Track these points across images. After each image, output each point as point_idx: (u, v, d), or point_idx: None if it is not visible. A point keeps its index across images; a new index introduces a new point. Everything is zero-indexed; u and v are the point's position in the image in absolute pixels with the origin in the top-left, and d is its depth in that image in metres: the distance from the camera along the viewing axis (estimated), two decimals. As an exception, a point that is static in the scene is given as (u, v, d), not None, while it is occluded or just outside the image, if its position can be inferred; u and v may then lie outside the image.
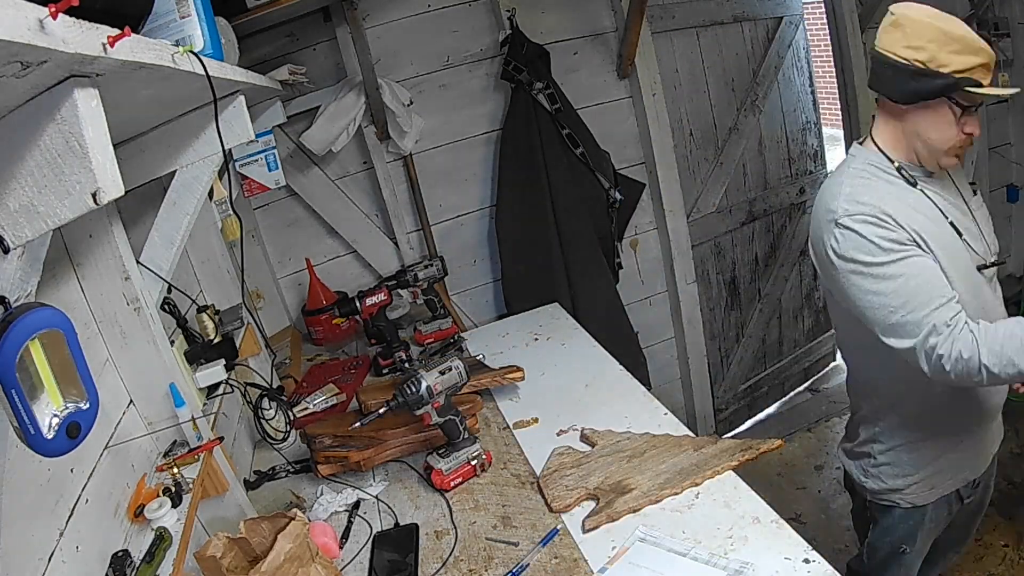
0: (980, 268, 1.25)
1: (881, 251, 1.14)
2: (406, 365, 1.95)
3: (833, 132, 4.61)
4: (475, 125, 2.52)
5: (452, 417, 1.42)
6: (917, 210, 1.19)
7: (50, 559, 0.86)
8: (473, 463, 1.42)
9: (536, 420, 1.57)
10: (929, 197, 1.22)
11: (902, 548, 1.42)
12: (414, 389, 1.38)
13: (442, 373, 1.42)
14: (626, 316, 2.63)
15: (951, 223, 1.22)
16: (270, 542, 1.02)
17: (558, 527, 1.21)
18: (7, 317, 0.61)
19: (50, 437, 0.63)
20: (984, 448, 1.41)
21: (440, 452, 1.42)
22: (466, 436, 1.44)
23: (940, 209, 1.22)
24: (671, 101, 2.66)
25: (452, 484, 1.40)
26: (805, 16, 3.01)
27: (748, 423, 3.26)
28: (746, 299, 3.12)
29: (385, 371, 1.98)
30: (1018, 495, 2.43)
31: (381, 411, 1.37)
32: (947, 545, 1.55)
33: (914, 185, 1.22)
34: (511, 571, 1.13)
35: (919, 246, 1.16)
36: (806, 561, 1.00)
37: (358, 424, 1.36)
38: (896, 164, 1.23)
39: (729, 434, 3.16)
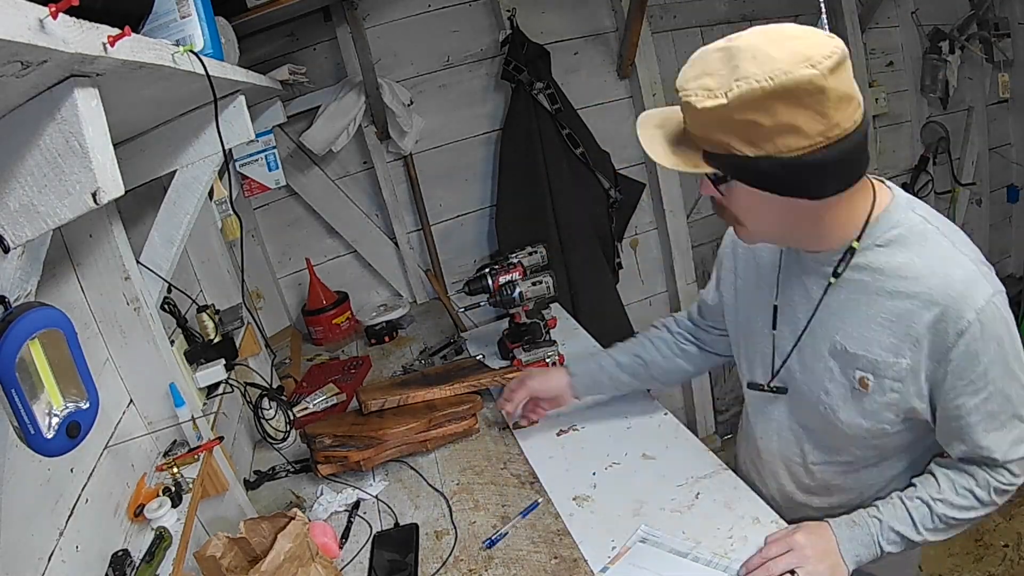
0: None
1: None
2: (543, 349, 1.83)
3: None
4: (475, 125, 2.52)
5: (537, 321, 1.78)
6: None
7: (50, 559, 0.86)
8: (548, 361, 1.75)
9: (536, 420, 1.56)
10: None
11: None
12: (509, 292, 1.75)
13: (534, 284, 1.77)
14: (626, 316, 2.64)
15: None
16: (270, 542, 1.02)
17: (539, 500, 1.28)
18: (7, 317, 0.61)
19: (50, 437, 0.63)
20: None
21: (524, 347, 1.78)
22: (547, 339, 1.78)
23: None
24: (671, 101, 2.65)
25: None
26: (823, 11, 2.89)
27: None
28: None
29: (512, 354, 1.82)
30: (1018, 495, 2.42)
31: (482, 304, 1.81)
32: None
33: None
34: (490, 538, 1.21)
35: None
36: (806, 561, 1.00)
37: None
38: None
39: (729, 435, 3.16)
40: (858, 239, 0.91)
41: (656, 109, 0.97)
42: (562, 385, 1.42)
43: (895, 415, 0.95)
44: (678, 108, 0.90)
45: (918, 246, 0.90)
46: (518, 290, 1.77)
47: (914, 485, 0.99)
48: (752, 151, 0.80)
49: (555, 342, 1.81)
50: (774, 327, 1.05)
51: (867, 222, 0.91)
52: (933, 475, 0.99)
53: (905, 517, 0.97)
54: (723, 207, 0.93)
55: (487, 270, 1.85)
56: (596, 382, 1.42)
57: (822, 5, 2.85)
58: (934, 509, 0.96)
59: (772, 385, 1.09)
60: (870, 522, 0.98)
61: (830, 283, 0.95)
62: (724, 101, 0.78)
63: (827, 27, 2.87)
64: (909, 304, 0.88)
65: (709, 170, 0.86)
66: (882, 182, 0.95)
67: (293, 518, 1.05)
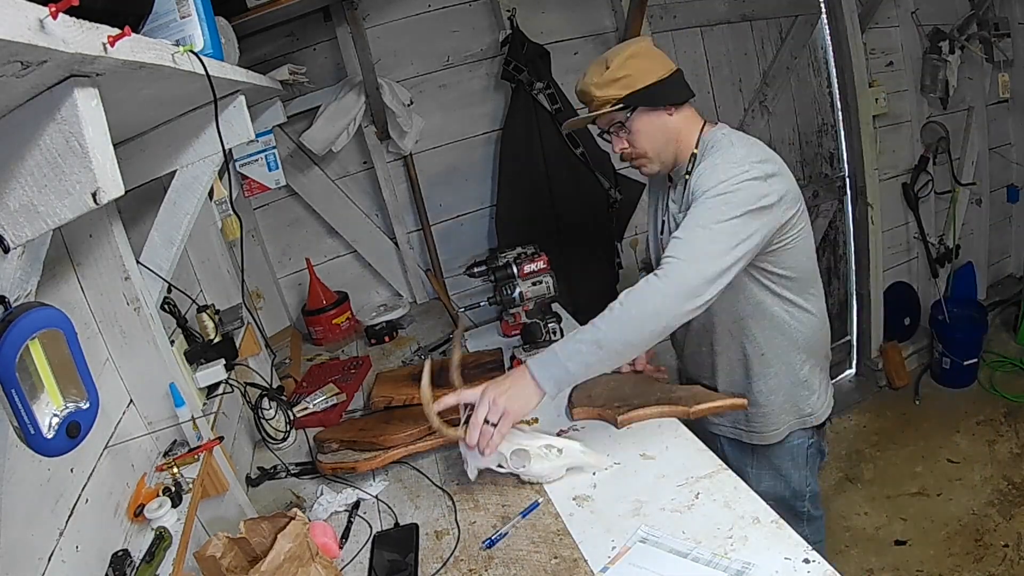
0: None
1: None
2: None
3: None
4: (475, 125, 2.52)
5: (537, 321, 1.78)
6: None
7: (50, 559, 0.86)
8: None
9: (536, 420, 1.56)
10: None
11: None
12: (508, 292, 1.76)
13: (534, 284, 1.77)
14: (626, 316, 2.63)
15: None
16: (270, 542, 1.02)
17: (539, 500, 1.27)
18: (7, 317, 0.61)
19: (50, 437, 0.63)
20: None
21: (524, 347, 1.79)
22: (546, 339, 1.77)
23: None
24: (671, 101, 2.65)
25: None
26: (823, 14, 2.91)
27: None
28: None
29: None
30: (1018, 495, 2.43)
31: (482, 304, 1.86)
32: None
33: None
34: (489, 537, 1.20)
35: None
36: (806, 561, 1.00)
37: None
38: None
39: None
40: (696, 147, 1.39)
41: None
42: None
43: None
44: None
45: (716, 149, 1.34)
46: (518, 290, 1.76)
47: None
48: (626, 91, 1.34)
49: (554, 343, 1.80)
50: (661, 232, 1.53)
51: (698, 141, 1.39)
52: None
53: (584, 329, 1.25)
54: (631, 153, 1.42)
55: (511, 258, 1.83)
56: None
57: (822, 5, 2.85)
58: (600, 316, 1.26)
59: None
60: (554, 347, 1.26)
61: (686, 180, 1.38)
62: (607, 70, 1.34)
63: (827, 27, 2.87)
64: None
65: (611, 110, 1.35)
66: (712, 122, 1.43)
67: (293, 518, 1.05)
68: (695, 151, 1.38)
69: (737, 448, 1.60)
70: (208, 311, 1.46)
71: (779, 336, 1.44)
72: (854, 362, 3.38)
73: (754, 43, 2.83)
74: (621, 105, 1.35)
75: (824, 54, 2.96)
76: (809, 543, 1.50)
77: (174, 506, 1.09)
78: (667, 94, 1.36)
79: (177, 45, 0.79)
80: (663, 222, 1.51)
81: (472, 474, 1.31)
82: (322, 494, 1.43)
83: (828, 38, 2.90)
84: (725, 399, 1.41)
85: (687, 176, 1.38)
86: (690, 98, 1.41)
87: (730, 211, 1.22)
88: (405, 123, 2.32)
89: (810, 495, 1.58)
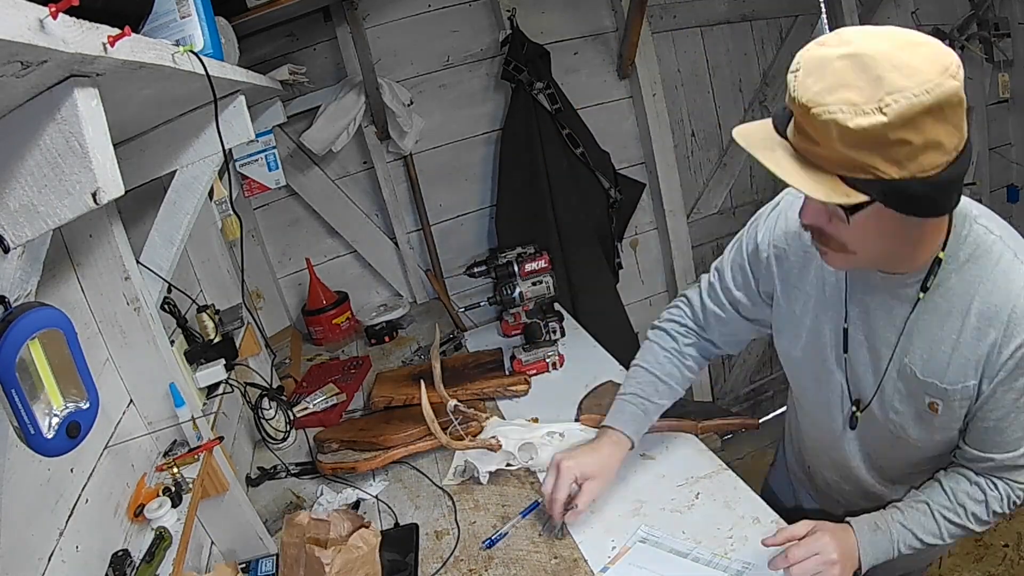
0: None
1: None
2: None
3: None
4: (475, 125, 2.52)
5: (536, 320, 1.77)
6: None
7: (50, 559, 0.86)
8: (548, 360, 1.75)
9: (536, 420, 1.56)
10: None
11: None
12: (509, 292, 1.74)
13: (534, 284, 1.76)
14: (626, 316, 2.63)
15: None
16: (345, 536, 1.06)
17: (539, 500, 1.27)
18: (7, 317, 0.61)
19: (50, 437, 0.63)
20: None
21: (524, 347, 1.78)
22: (547, 339, 1.77)
23: None
24: (671, 101, 2.65)
25: (528, 372, 1.72)
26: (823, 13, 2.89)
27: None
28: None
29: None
30: (1018, 495, 2.42)
31: (482, 304, 1.85)
32: None
33: None
34: (490, 537, 1.20)
35: None
36: (806, 561, 1.00)
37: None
38: None
39: (729, 436, 3.16)
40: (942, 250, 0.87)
41: (751, 124, 0.83)
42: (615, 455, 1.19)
43: (963, 424, 0.95)
44: (770, 123, 0.81)
45: (985, 261, 0.86)
46: (518, 290, 1.76)
47: (942, 490, 0.97)
48: (898, 172, 0.72)
49: (555, 342, 1.81)
50: (845, 351, 1.00)
51: (947, 235, 0.86)
52: (956, 484, 0.97)
53: (932, 526, 0.96)
54: (827, 235, 0.85)
55: (511, 258, 1.83)
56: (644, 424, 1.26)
57: (822, 5, 2.85)
58: (956, 520, 0.95)
59: (857, 415, 1.03)
60: (892, 528, 0.97)
61: (919, 299, 0.90)
62: (884, 119, 0.68)
63: (827, 27, 2.87)
64: (976, 323, 0.86)
65: (856, 200, 0.75)
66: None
67: (367, 525, 1.09)
68: (940, 256, 0.87)
69: None
70: (208, 311, 1.46)
71: None
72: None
73: (754, 43, 2.83)
74: (865, 197, 0.75)
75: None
76: None
77: (174, 506, 1.09)
78: (939, 201, 0.77)
79: (177, 45, 0.79)
80: (845, 331, 0.99)
81: (484, 479, 1.35)
82: (322, 494, 1.43)
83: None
84: (735, 417, 1.41)
85: (927, 286, 0.88)
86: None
87: None
88: (405, 123, 2.32)
89: None
